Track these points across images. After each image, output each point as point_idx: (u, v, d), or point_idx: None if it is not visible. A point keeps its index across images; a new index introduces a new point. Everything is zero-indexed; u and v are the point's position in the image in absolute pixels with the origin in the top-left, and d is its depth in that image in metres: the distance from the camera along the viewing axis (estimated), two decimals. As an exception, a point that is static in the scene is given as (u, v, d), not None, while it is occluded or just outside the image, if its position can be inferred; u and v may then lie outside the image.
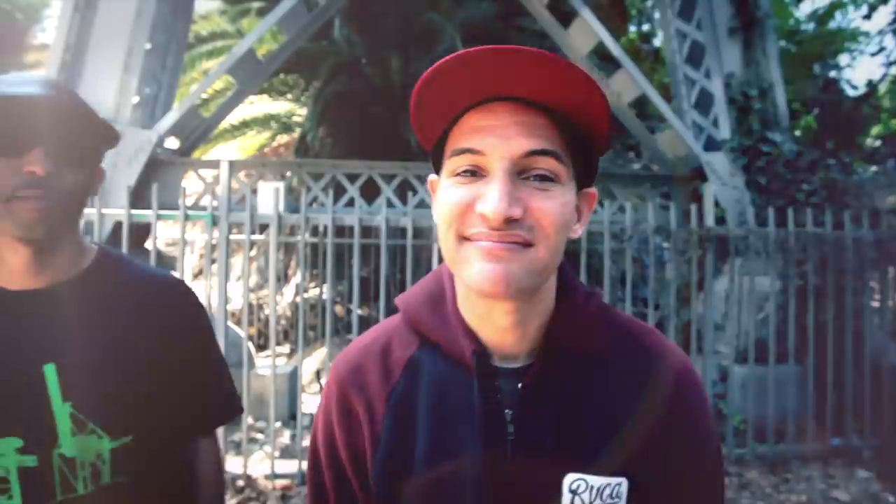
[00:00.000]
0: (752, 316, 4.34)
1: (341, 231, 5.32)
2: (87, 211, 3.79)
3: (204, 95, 6.39)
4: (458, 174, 0.63)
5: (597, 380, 0.68)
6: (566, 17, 6.84)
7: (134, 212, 3.42)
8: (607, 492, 0.64)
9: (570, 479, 0.64)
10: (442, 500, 0.66)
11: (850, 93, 8.78)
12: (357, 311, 3.93)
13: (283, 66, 8.03)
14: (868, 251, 4.40)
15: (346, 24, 8.87)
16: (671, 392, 0.69)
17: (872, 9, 8.43)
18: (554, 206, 0.61)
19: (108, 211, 3.52)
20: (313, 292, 9.08)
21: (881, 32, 8.25)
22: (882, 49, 8.33)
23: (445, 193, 0.64)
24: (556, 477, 0.64)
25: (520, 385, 0.67)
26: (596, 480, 0.64)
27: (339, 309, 8.95)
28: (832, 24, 9.41)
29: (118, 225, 4.15)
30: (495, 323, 0.68)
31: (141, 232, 4.61)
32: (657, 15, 7.13)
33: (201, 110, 5.97)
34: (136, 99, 5.03)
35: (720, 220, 5.34)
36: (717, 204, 5.54)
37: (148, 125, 5.14)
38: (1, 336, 0.89)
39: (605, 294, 3.82)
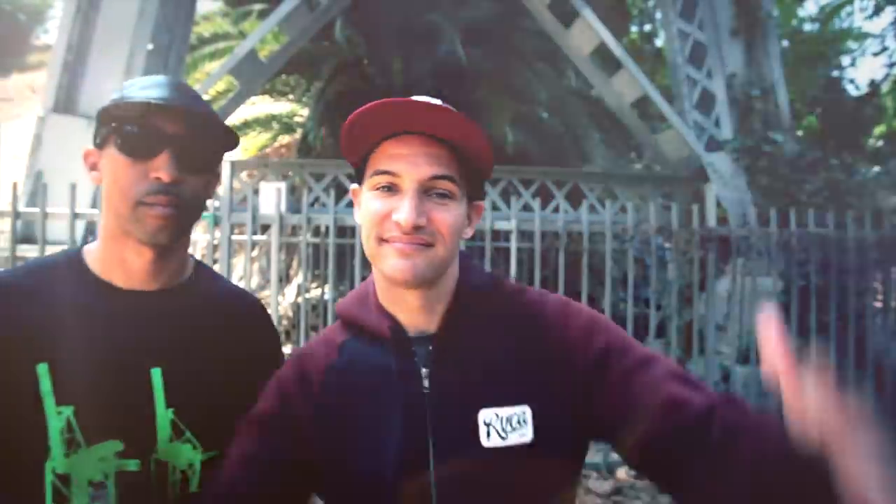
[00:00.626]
0: (754, 316, 4.34)
1: (343, 231, 5.32)
2: (89, 211, 3.80)
3: (206, 96, 6.39)
4: (378, 188, 0.82)
5: (493, 336, 0.85)
6: (568, 17, 6.84)
7: (136, 212, 3.42)
8: (515, 419, 0.79)
9: (482, 415, 0.79)
10: (374, 443, 0.81)
11: (853, 93, 8.78)
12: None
13: (285, 66, 8.04)
14: (870, 252, 4.39)
15: (348, 25, 8.87)
16: (551, 326, 0.86)
17: (879, 9, 8.41)
18: (449, 216, 0.81)
19: (110, 212, 3.52)
20: (315, 293, 9.08)
21: (883, 32, 8.26)
22: (885, 49, 8.33)
23: (368, 203, 0.83)
24: (470, 414, 0.79)
25: (430, 348, 0.84)
26: (503, 411, 0.79)
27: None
28: (835, 25, 9.40)
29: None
30: (409, 305, 0.86)
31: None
32: (659, 15, 7.12)
33: (203, 111, 5.97)
34: (137, 100, 5.05)
35: (722, 220, 5.33)
36: (718, 204, 5.53)
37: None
38: (112, 334, 0.88)
39: (606, 294, 3.83)
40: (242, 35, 8.72)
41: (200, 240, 5.69)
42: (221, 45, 8.57)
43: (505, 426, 0.79)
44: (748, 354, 4.38)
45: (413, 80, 9.13)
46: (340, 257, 6.29)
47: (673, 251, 4.29)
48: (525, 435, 0.79)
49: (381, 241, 0.81)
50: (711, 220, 5.33)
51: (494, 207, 5.90)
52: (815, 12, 9.82)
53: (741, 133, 5.66)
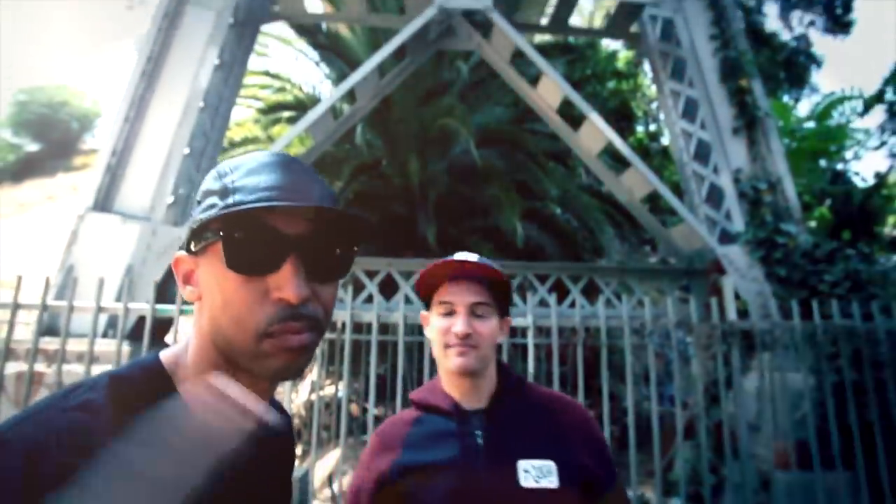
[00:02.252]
0: (788, 415, 4.11)
1: (359, 327, 5.32)
2: (112, 305, 3.88)
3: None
4: (442, 314, 1.29)
5: (525, 411, 1.27)
6: (576, 120, 7.23)
7: (158, 307, 3.49)
8: (544, 469, 1.16)
9: (521, 464, 1.16)
10: (444, 481, 1.15)
11: (860, 184, 8.96)
12: (373, 411, 3.82)
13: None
14: (903, 344, 4.22)
15: (368, 130, 9.48)
16: (562, 410, 1.29)
17: (867, 107, 8.81)
18: (487, 328, 1.27)
19: (133, 305, 3.59)
20: (328, 390, 8.88)
21: (881, 128, 8.57)
22: (884, 143, 8.59)
23: (436, 322, 1.30)
24: (512, 463, 1.16)
25: (482, 417, 1.25)
26: (536, 463, 1.17)
27: (354, 408, 8.69)
28: (832, 121, 9.82)
29: (142, 319, 4.22)
30: (465, 389, 1.28)
31: (164, 326, 4.67)
32: (662, 116, 7.51)
33: (229, 209, 6.26)
34: (170, 199, 5.33)
35: (743, 313, 5.23)
36: (737, 297, 5.46)
37: (179, 223, 5.39)
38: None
39: (628, 391, 3.69)
40: (271, 139, 9.35)
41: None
42: (251, 147, 9.18)
43: (537, 474, 1.15)
44: (787, 458, 4.09)
45: (429, 179, 9.56)
46: (355, 354, 6.23)
47: (694, 346, 4.17)
48: (552, 482, 1.14)
49: (446, 347, 1.26)
50: (732, 313, 5.24)
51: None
52: (808, 112, 10.31)
53: (753, 226, 5.71)
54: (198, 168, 5.74)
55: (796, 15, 15.07)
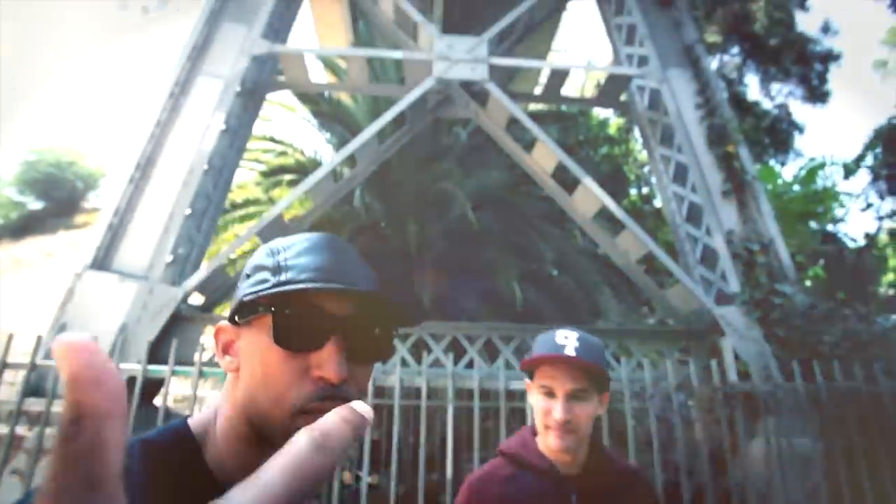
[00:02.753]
0: (799, 484, 3.95)
1: (381, 391, 5.21)
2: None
3: (231, 255, 6.78)
4: (542, 393, 1.38)
5: (614, 481, 1.41)
6: (569, 183, 7.42)
7: (150, 367, 3.42)
8: None
9: None
10: None
11: (851, 244, 9.11)
12: (366, 479, 3.67)
13: (308, 228, 8.62)
14: (910, 407, 4.13)
15: (367, 192, 9.68)
16: (646, 488, 1.48)
17: (848, 172, 9.13)
18: (584, 410, 1.35)
19: (124, 366, 3.53)
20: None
21: (865, 190, 8.85)
22: (870, 205, 8.83)
23: (537, 401, 1.40)
24: None
25: (577, 481, 1.38)
26: None
27: (346, 476, 8.33)
28: (818, 184, 10.16)
29: (131, 380, 4.12)
30: (561, 457, 1.39)
31: (154, 387, 4.56)
32: (654, 179, 7.73)
33: (228, 269, 6.29)
34: (169, 258, 5.37)
35: (744, 374, 5.15)
36: (737, 358, 5.39)
37: (176, 282, 5.39)
38: None
39: (630, 457, 3.57)
40: (272, 201, 9.52)
41: (209, 396, 5.57)
42: (252, 209, 9.33)
43: None
44: (799, 529, 3.90)
45: (426, 241, 9.67)
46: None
47: (696, 409, 4.08)
48: None
49: (546, 427, 1.37)
50: (732, 375, 5.15)
51: (508, 366, 5.80)
52: (793, 177, 10.65)
53: (748, 286, 5.74)
54: (198, 228, 5.82)
55: (776, 86, 15.88)
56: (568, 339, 1.36)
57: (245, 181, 10.03)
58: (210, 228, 6.13)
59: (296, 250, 0.73)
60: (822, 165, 10.07)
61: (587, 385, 1.34)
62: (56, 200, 26.91)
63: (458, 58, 7.01)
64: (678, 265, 6.39)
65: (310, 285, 0.67)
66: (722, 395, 4.05)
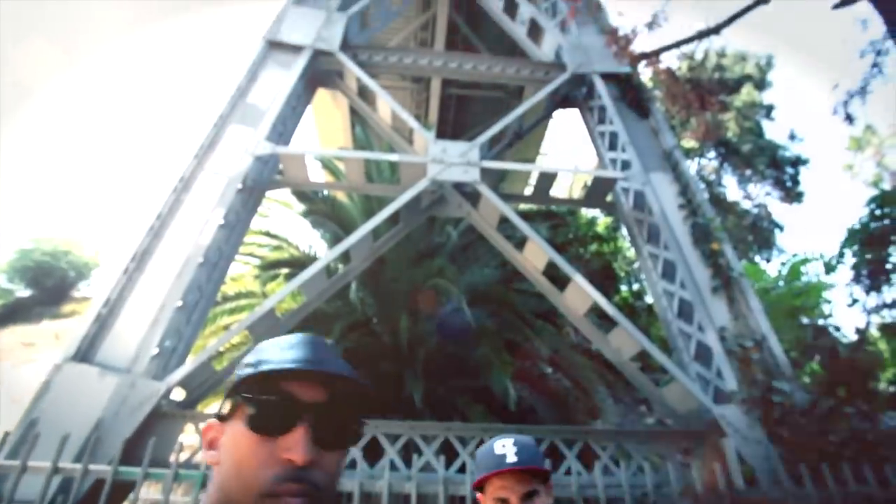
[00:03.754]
0: None
1: (339, 497, 4.87)
2: (70, 466, 3.57)
3: (219, 349, 6.64)
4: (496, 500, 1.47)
5: None
6: (561, 281, 7.51)
7: (121, 468, 3.22)
8: None
9: None
10: None
11: (844, 338, 9.11)
12: None
13: (299, 323, 8.53)
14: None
15: (361, 288, 9.72)
16: None
17: (829, 269, 9.38)
18: None
19: (94, 467, 3.31)
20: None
21: (850, 284, 9.04)
22: (856, 301, 8.96)
23: None
24: None
25: None
26: None
27: None
28: (804, 278, 10.36)
29: (100, 483, 3.85)
30: None
31: (124, 490, 4.25)
32: (644, 276, 7.86)
33: (213, 363, 6.13)
34: (155, 351, 5.24)
35: (750, 478, 4.90)
36: (742, 460, 5.16)
37: (159, 376, 5.22)
38: None
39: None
40: (265, 295, 9.50)
41: (180, 503, 5.18)
42: (243, 301, 9.28)
43: None
44: None
45: (418, 338, 9.56)
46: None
47: (704, 517, 3.82)
48: None
49: None
50: (738, 480, 4.89)
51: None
52: (776, 273, 10.89)
53: (745, 384, 5.64)
54: (188, 321, 5.75)
55: (753, 187, 16.80)
56: (506, 448, 1.49)
57: (240, 274, 10.08)
58: (200, 321, 6.06)
59: (277, 346, 0.81)
60: (804, 261, 10.35)
61: (534, 484, 1.47)
62: (45, 289, 26.64)
63: (452, 161, 7.39)
64: (673, 362, 6.31)
65: (276, 366, 0.73)
66: (729, 501, 3.82)
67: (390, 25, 13.47)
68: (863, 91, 5.69)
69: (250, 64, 7.58)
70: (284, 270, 9.96)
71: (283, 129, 7.63)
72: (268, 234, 10.31)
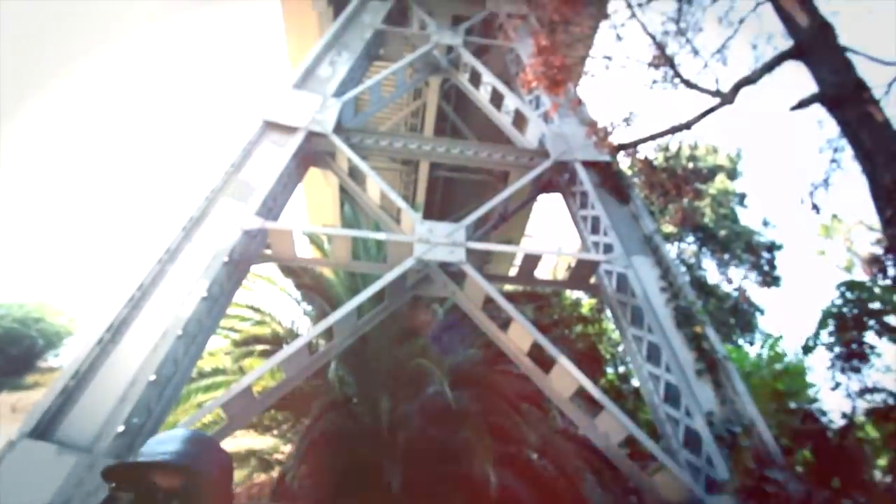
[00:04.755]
0: None
1: None
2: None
3: (193, 427, 6.32)
4: None
5: None
6: (546, 362, 7.42)
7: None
8: None
9: None
10: None
11: (828, 421, 8.98)
12: None
13: (277, 402, 8.21)
14: None
15: (341, 367, 9.47)
16: None
17: (808, 350, 9.44)
18: None
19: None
20: None
21: (830, 367, 9.06)
22: (838, 385, 8.95)
23: None
24: None
25: None
26: None
27: None
28: (787, 360, 10.38)
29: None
30: None
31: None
32: (629, 359, 7.81)
33: (182, 444, 5.80)
34: (121, 428, 4.95)
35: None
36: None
37: (123, 455, 4.90)
38: None
39: None
40: (242, 371, 9.19)
41: None
42: (219, 378, 8.94)
43: None
44: None
45: (399, 420, 9.21)
46: None
47: None
48: None
49: None
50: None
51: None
52: (756, 355, 10.90)
53: (737, 472, 5.46)
54: (159, 397, 5.51)
55: (732, 271, 17.28)
56: None
57: (216, 349, 9.81)
58: (173, 397, 5.80)
59: (158, 439, 0.94)
60: (775, 340, 10.44)
61: None
62: (9, 357, 25.42)
63: (438, 241, 7.52)
64: (662, 449, 6.13)
65: (143, 458, 0.86)
66: None
67: (383, 111, 14.19)
68: (825, 183, 6.05)
69: (246, 142, 7.84)
70: (261, 346, 9.72)
71: (273, 205, 7.76)
72: (250, 307, 10.16)
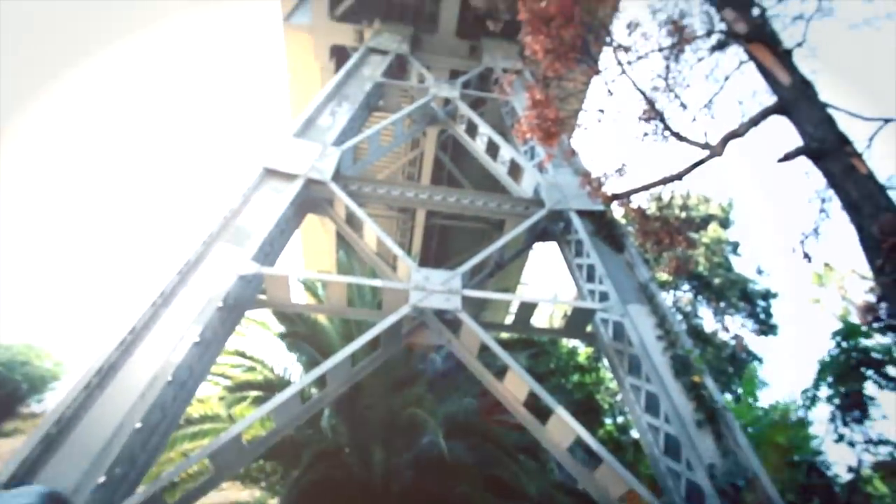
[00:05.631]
0: None
1: None
2: None
3: (175, 479, 6.09)
4: None
5: None
6: (543, 412, 7.28)
7: None
8: None
9: None
10: None
11: (832, 473, 8.71)
12: None
13: (267, 451, 7.96)
14: None
15: (335, 415, 9.25)
16: None
17: (812, 402, 9.29)
18: None
19: None
20: None
21: (832, 420, 8.87)
22: (841, 437, 8.75)
23: None
24: None
25: None
26: None
27: None
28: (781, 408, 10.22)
29: None
30: None
31: None
32: (628, 409, 7.68)
33: (165, 495, 5.58)
34: (101, 479, 4.76)
35: None
36: None
37: (102, 510, 4.71)
38: None
39: None
40: (232, 419, 8.95)
41: None
42: (207, 425, 8.69)
43: None
44: None
45: (392, 471, 8.93)
46: None
47: None
48: None
49: None
50: None
51: None
52: (765, 409, 10.73)
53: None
54: (144, 445, 5.33)
55: (728, 319, 17.20)
56: None
57: (207, 395, 9.59)
58: (159, 445, 5.62)
59: (9, 495, 0.95)
60: (755, 386, 10.30)
61: None
62: (-9, 404, 24.56)
63: (434, 288, 7.52)
64: (663, 504, 5.93)
65: None
66: None
67: (381, 160, 14.50)
68: (815, 232, 6.14)
69: (245, 188, 7.95)
70: (254, 393, 9.52)
71: (269, 251, 7.79)
72: (242, 354, 10.01)
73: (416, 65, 11.95)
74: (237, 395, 9.52)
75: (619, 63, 6.77)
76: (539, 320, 13.44)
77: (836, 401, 8.72)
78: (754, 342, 17.36)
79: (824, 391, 9.01)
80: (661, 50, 6.84)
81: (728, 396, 14.32)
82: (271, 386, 9.62)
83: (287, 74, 13.85)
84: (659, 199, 7.73)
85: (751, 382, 11.02)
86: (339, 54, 13.05)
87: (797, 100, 5.92)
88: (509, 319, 8.83)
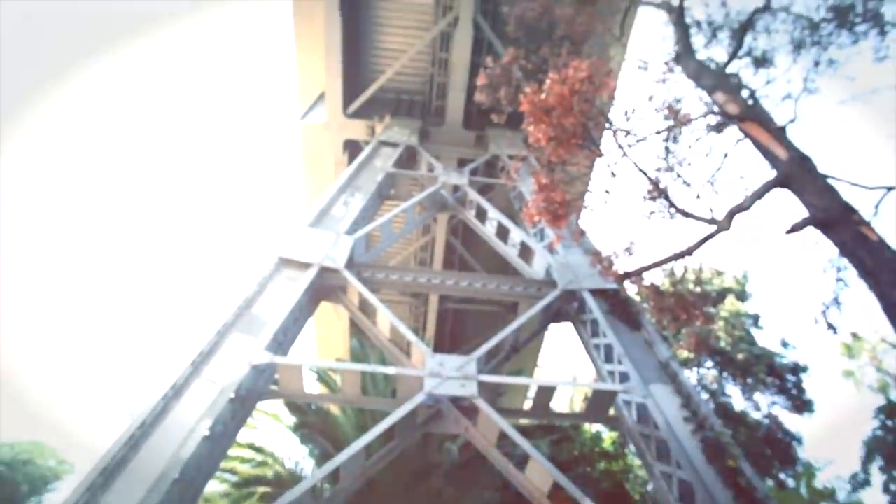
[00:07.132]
0: None
1: None
2: None
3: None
4: None
5: None
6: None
7: None
8: None
9: None
10: None
11: None
12: None
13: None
14: None
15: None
16: None
17: (859, 486, 8.57)
18: None
19: None
20: None
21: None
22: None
23: None
24: None
25: None
26: None
27: None
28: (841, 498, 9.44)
29: None
30: None
31: None
32: (660, 500, 7.15)
33: None
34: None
35: None
36: None
37: None
38: None
39: None
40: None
41: None
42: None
43: None
44: None
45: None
46: None
47: None
48: None
49: None
50: None
51: None
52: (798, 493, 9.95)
53: None
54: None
55: (759, 396, 16.30)
56: None
57: (213, 492, 9.15)
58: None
59: None
60: (811, 472, 9.56)
61: None
62: (-11, 505, 23.48)
63: (449, 375, 7.37)
64: None
65: None
66: None
67: (393, 246, 14.77)
68: (836, 302, 6.02)
69: (260, 278, 8.08)
70: (262, 489, 9.07)
71: (283, 339, 7.76)
72: (252, 447, 9.67)
73: (426, 155, 12.50)
74: (244, 492, 9.07)
75: (620, 146, 7.03)
76: (559, 404, 12.97)
77: (893, 486, 8.07)
78: (791, 421, 16.37)
79: (875, 473, 8.37)
80: (658, 133, 7.11)
81: (769, 482, 13.30)
82: (281, 481, 9.18)
83: (302, 167, 14.54)
84: (672, 274, 7.69)
85: (809, 477, 10.25)
86: (352, 148, 13.75)
87: (796, 173, 6.05)
88: (528, 405, 8.51)
